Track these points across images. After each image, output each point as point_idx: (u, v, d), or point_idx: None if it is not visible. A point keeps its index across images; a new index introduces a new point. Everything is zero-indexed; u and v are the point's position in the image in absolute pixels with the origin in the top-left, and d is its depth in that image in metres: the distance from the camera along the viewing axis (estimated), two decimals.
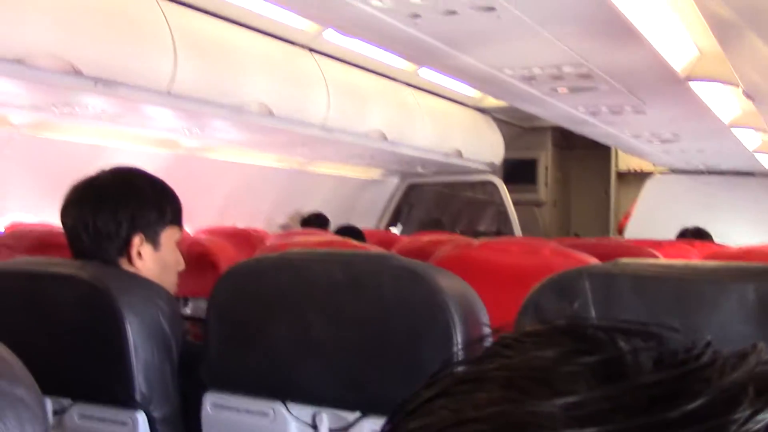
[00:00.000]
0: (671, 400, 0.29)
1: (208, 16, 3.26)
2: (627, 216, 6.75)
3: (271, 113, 3.59)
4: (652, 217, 5.95)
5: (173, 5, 3.03)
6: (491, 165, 6.20)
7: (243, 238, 3.42)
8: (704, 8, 1.77)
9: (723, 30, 1.91)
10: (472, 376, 0.32)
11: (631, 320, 0.33)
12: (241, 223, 4.93)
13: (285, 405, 1.21)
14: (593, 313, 1.05)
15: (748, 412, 0.28)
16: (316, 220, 5.11)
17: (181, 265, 1.59)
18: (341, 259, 1.21)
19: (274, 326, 1.22)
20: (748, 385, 0.29)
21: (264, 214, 5.34)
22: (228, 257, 2.75)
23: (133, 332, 1.26)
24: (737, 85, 2.68)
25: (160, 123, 3.63)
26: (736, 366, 0.30)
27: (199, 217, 4.62)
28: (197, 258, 2.64)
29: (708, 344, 0.32)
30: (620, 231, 6.62)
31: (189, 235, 3.68)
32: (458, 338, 1.13)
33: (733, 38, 1.91)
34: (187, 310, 2.72)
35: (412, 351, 1.13)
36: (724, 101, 3.49)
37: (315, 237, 2.84)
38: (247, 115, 3.49)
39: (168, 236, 1.54)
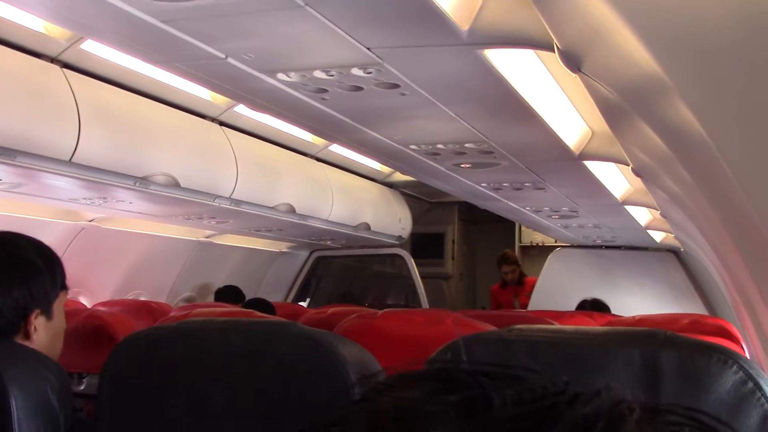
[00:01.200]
0: None
1: (116, 87, 3.24)
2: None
3: (177, 185, 3.55)
4: (555, 290, 6.13)
5: (79, 76, 3.00)
6: (399, 238, 6.29)
7: (144, 311, 3.33)
8: (593, 92, 1.88)
9: (611, 112, 2.03)
10: (339, 420, 0.33)
11: (495, 363, 0.35)
12: (145, 296, 4.80)
13: None
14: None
15: None
16: (230, 293, 5.02)
17: (64, 325, 1.53)
18: (240, 328, 1.20)
19: (170, 398, 1.19)
20: (598, 420, 0.32)
21: (169, 287, 5.22)
22: (127, 331, 2.66)
23: (18, 407, 1.20)
24: (627, 164, 2.84)
25: (62, 193, 3.53)
26: (588, 403, 0.33)
27: (99, 290, 4.48)
28: (94, 331, 2.55)
29: (566, 383, 0.34)
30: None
31: (86, 307, 3.55)
32: None
33: (621, 120, 2.03)
34: (82, 387, 2.60)
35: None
36: (616, 179, 3.68)
37: (218, 309, 2.79)
38: (153, 186, 3.44)
39: (59, 303, 1.49)
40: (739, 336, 2.54)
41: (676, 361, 1.00)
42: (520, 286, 6.42)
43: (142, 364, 1.23)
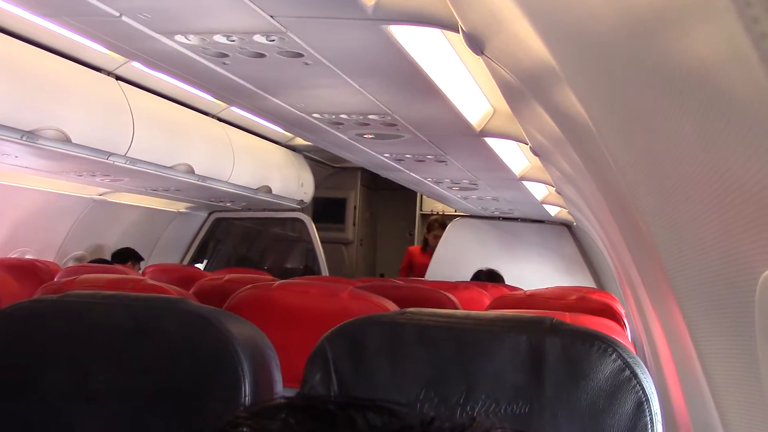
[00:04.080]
0: None
1: (2, 34, 3.04)
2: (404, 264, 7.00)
3: (69, 141, 3.39)
4: (453, 258, 6.25)
5: None
6: (301, 203, 6.25)
7: (29, 271, 3.18)
8: (495, 74, 1.91)
9: (511, 94, 2.06)
10: None
11: (364, 398, 0.35)
12: (31, 255, 4.60)
13: None
14: (379, 363, 1.08)
15: None
16: (126, 255, 4.89)
17: None
18: (126, 303, 1.16)
19: (50, 375, 1.14)
20: None
21: (57, 245, 5.01)
22: (10, 293, 2.55)
23: None
24: (526, 143, 2.90)
25: None
26: None
27: None
28: None
29: (432, 420, 0.34)
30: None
31: None
32: (247, 387, 1.11)
33: (519, 101, 2.07)
34: None
35: (200, 400, 1.10)
36: (515, 156, 3.76)
37: (109, 275, 2.70)
38: (41, 141, 3.27)
39: None
40: (623, 313, 2.66)
41: (559, 348, 1.03)
42: None
43: (19, 338, 1.18)
